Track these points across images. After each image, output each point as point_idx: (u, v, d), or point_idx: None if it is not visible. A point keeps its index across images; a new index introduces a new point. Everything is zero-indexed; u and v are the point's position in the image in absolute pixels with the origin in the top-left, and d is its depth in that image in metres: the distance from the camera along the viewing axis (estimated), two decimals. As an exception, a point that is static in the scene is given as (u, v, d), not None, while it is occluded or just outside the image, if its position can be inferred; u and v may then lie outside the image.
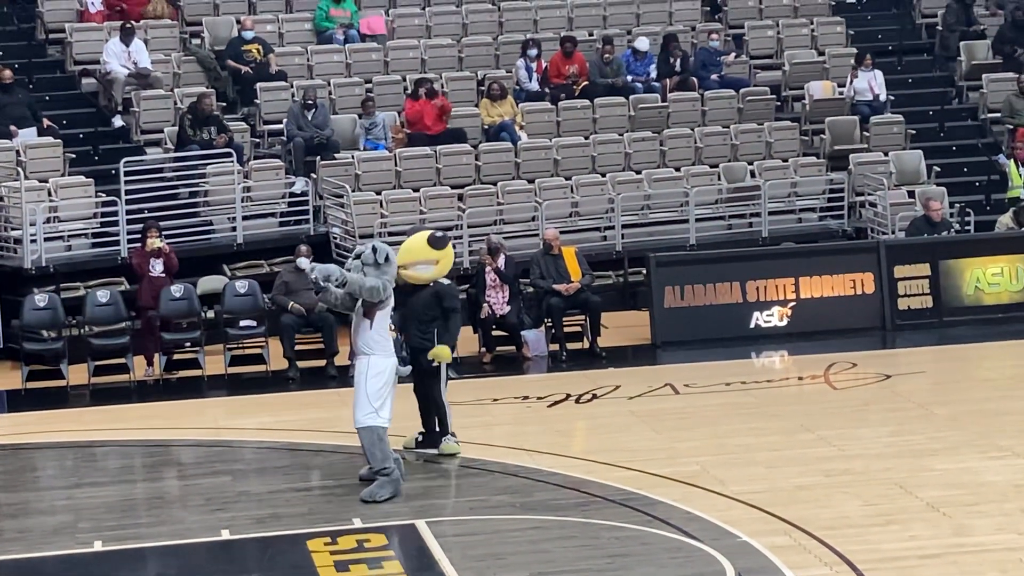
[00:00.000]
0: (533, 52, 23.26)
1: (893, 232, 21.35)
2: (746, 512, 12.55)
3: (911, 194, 22.25)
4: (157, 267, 18.80)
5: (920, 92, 24.68)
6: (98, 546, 12.28)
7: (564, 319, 19.07)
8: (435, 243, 14.14)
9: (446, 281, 14.48)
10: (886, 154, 22.99)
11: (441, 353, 14.20)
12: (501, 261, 18.97)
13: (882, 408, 16.12)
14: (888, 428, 15.28)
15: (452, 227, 20.81)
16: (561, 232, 19.90)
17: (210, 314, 19.19)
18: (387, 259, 13.20)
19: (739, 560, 11.35)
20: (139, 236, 19.37)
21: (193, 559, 12.06)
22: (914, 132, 23.53)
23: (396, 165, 21.68)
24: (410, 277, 14.11)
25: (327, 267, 13.22)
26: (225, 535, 12.44)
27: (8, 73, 21.27)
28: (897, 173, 22.66)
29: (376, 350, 13.22)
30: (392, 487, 13.07)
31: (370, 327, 13.18)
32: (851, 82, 23.73)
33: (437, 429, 14.58)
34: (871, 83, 23.62)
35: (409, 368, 13.85)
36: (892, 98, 23.97)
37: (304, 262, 18.44)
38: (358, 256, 13.27)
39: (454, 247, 20.58)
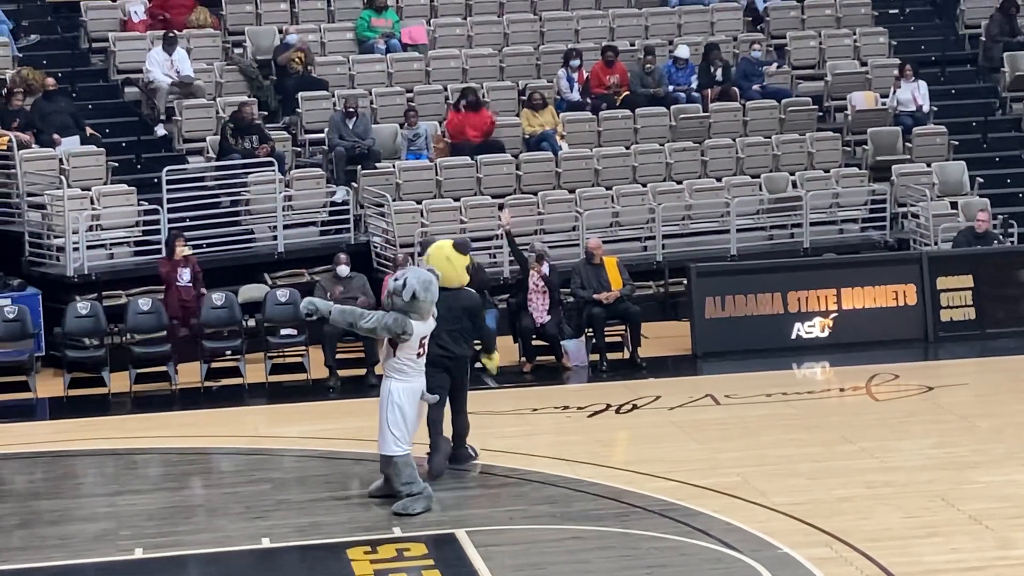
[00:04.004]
0: (575, 63, 23.25)
1: (935, 243, 21.25)
2: (787, 523, 12.50)
3: (954, 205, 22.15)
4: (184, 276, 18.87)
5: (963, 103, 24.56)
6: (139, 553, 12.32)
7: (605, 329, 19.03)
8: (460, 248, 14.14)
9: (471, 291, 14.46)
10: (929, 165, 22.89)
11: (495, 360, 14.30)
12: (546, 267, 18.95)
13: (924, 420, 16.03)
14: (930, 440, 15.20)
15: (492, 237, 20.85)
16: (602, 242, 19.87)
17: (251, 322, 19.23)
18: (413, 297, 13.03)
19: (780, 572, 11.31)
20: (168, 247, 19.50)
21: (233, 567, 12.09)
22: (957, 143, 23.42)
23: (437, 174, 21.70)
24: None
25: (313, 301, 13.29)
26: (265, 543, 12.47)
27: (52, 81, 21.39)
28: (940, 184, 22.56)
29: (397, 376, 13.16)
30: (425, 502, 13.06)
31: (393, 353, 13.15)
32: (894, 92, 23.64)
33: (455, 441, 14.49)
34: (914, 94, 23.52)
35: (436, 397, 13.70)
36: (935, 109, 23.86)
37: (344, 269, 18.49)
38: (396, 279, 13.22)
39: (493, 256, 20.85)
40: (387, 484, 13.36)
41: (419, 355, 13.20)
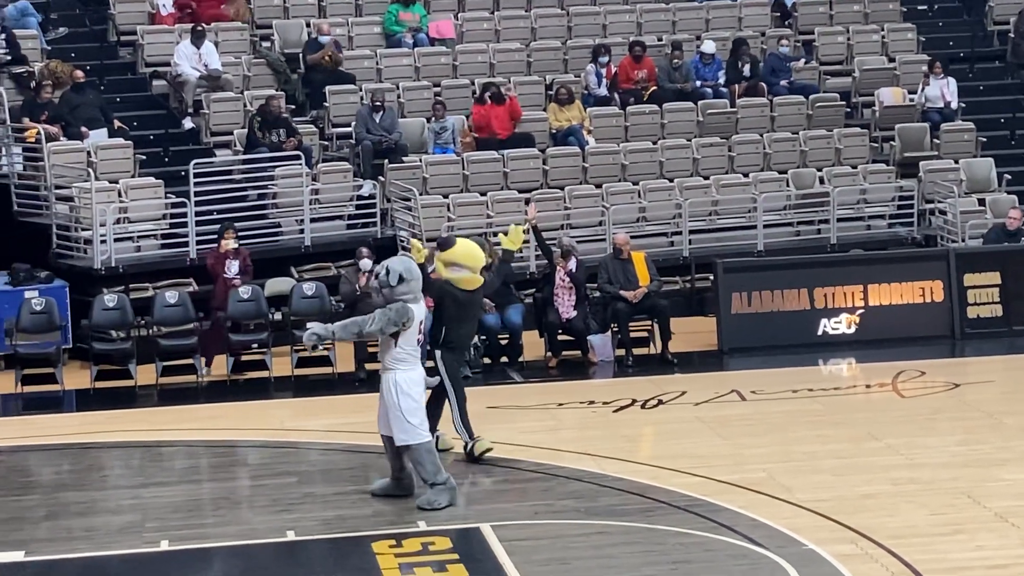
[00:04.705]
0: (604, 59, 23.23)
1: (963, 240, 21.19)
2: (812, 520, 12.48)
3: (981, 202, 22.08)
4: (232, 268, 18.92)
5: (991, 99, 24.47)
6: (164, 545, 12.35)
7: (631, 324, 19.01)
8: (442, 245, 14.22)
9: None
10: (956, 161, 22.82)
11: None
12: (572, 264, 18.94)
13: (950, 417, 15.99)
14: (956, 437, 15.16)
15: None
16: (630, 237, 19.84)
17: (277, 316, 19.26)
18: (400, 280, 12.97)
19: (804, 568, 11.29)
20: (210, 238, 19.55)
21: (259, 560, 12.11)
22: (985, 140, 23.34)
23: (464, 169, 21.71)
24: (458, 281, 14.13)
25: (314, 333, 13.14)
26: (290, 536, 12.49)
27: (80, 74, 21.45)
28: (967, 181, 22.50)
29: (400, 366, 13.07)
30: (449, 495, 13.04)
31: (395, 344, 13.07)
32: (923, 89, 23.57)
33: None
34: (943, 90, 23.46)
35: (437, 379, 13.77)
36: (963, 105, 23.79)
37: (366, 263, 18.54)
38: (376, 276, 13.19)
39: (520, 250, 20.82)
40: (395, 484, 13.34)
41: (419, 341, 13.18)
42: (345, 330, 13.24)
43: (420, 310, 13.15)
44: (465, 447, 14.46)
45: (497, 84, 22.42)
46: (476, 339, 18.79)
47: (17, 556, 12.19)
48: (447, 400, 14.27)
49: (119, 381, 18.38)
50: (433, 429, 14.13)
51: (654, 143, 22.56)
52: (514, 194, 21.48)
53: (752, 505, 12.88)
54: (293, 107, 22.47)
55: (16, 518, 13.25)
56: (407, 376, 13.06)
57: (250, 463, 15.35)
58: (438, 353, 14.22)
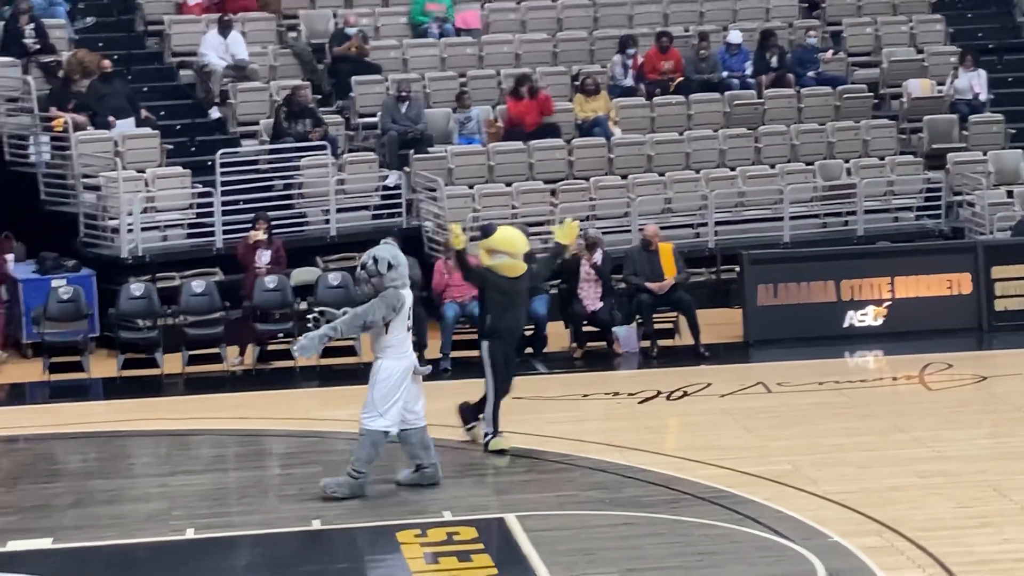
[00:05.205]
0: (631, 51, 23.18)
1: (991, 232, 21.10)
2: (838, 512, 12.45)
3: (1009, 194, 22.00)
4: (263, 258, 18.95)
5: (1020, 91, 24.35)
6: (191, 534, 12.38)
7: (655, 316, 18.98)
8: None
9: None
10: (984, 153, 22.73)
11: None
12: (598, 256, 18.91)
13: (977, 410, 15.94)
14: (983, 430, 15.11)
15: (544, 222, 20.84)
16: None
17: (303, 305, 19.28)
18: (389, 267, 12.98)
19: (830, 560, 11.26)
20: (236, 227, 19.59)
21: (284, 548, 12.13)
22: (1013, 131, 23.25)
23: (489, 159, 21.70)
24: (500, 268, 14.14)
25: (325, 331, 13.06)
26: (316, 525, 12.51)
27: (107, 64, 21.49)
28: (995, 173, 22.41)
29: (388, 354, 13.09)
30: (353, 490, 13.01)
31: (386, 331, 13.06)
32: (952, 81, 23.48)
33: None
34: (973, 82, 23.37)
35: (429, 368, 13.73)
36: (991, 97, 23.70)
37: None
38: (363, 267, 13.13)
39: (545, 241, 20.82)
40: (420, 474, 13.35)
41: (408, 328, 13.18)
42: (350, 325, 13.20)
43: (409, 296, 13.16)
44: (484, 435, 14.45)
45: (531, 78, 22.36)
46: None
47: (45, 543, 12.24)
48: (487, 389, 14.27)
49: (146, 370, 18.43)
50: (474, 411, 14.20)
51: (680, 134, 22.52)
52: (539, 185, 21.46)
53: (777, 497, 12.85)
54: (319, 97, 22.47)
55: (44, 505, 13.30)
56: (390, 364, 13.06)
57: (276, 452, 15.38)
58: (484, 343, 14.21)
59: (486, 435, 14.44)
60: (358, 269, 13.33)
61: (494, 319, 14.19)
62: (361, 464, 13.07)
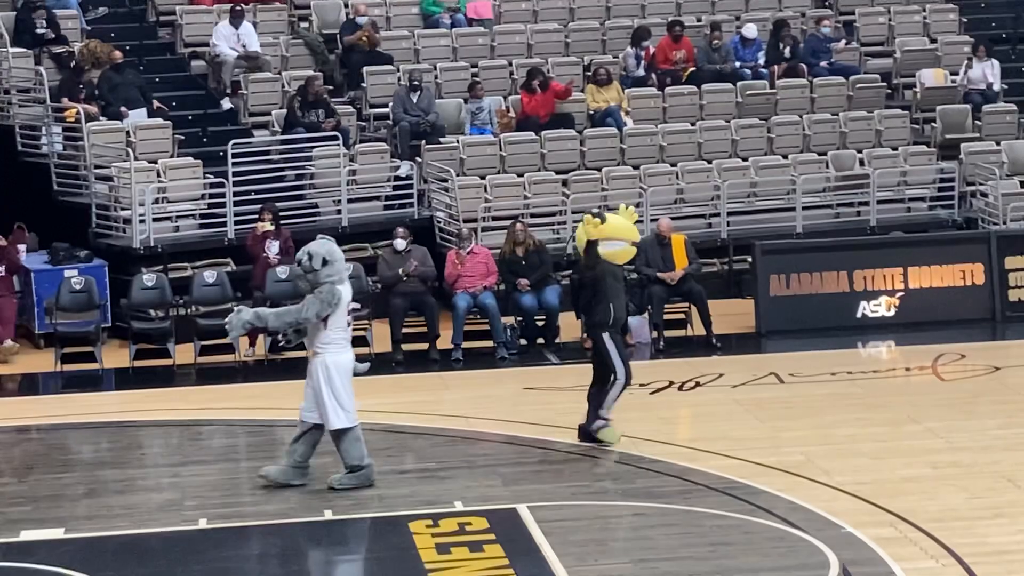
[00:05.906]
0: (645, 42, 23.12)
1: (1004, 222, 21.05)
2: (851, 503, 12.44)
3: (1023, 184, 21.93)
4: (272, 249, 18.95)
5: (1033, 81, 24.32)
6: (203, 524, 12.40)
7: (666, 307, 18.94)
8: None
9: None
10: (998, 143, 22.65)
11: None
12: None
13: (991, 400, 15.90)
14: (996, 421, 15.08)
15: (556, 212, 20.83)
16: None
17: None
18: (324, 263, 12.93)
19: (843, 551, 11.25)
20: (248, 218, 19.59)
21: (296, 538, 12.14)
22: (1027, 121, 23.20)
23: (501, 150, 21.67)
24: (614, 256, 14.22)
25: (246, 316, 13.09)
26: (328, 515, 12.51)
27: (119, 54, 21.49)
28: (1009, 163, 22.34)
29: (330, 349, 13.04)
30: (360, 480, 13.03)
31: (324, 327, 13.00)
32: (965, 71, 23.41)
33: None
34: (986, 72, 23.29)
35: (367, 365, 13.63)
36: (1005, 87, 23.63)
37: (400, 243, 18.51)
38: (299, 263, 13.07)
39: (556, 231, 20.82)
40: (295, 472, 13.26)
41: (348, 324, 13.14)
42: (279, 319, 13.19)
43: (347, 291, 13.10)
44: (592, 422, 14.32)
45: (542, 72, 22.29)
46: (513, 320, 18.83)
47: (57, 533, 12.27)
48: (612, 381, 14.15)
49: (158, 360, 18.44)
50: (596, 414, 14.08)
51: (692, 124, 22.47)
52: (551, 175, 21.43)
53: (790, 488, 12.84)
54: (331, 88, 22.45)
55: (56, 495, 13.32)
56: (336, 359, 13.04)
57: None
58: (605, 335, 14.14)
59: (598, 426, 14.27)
60: (294, 265, 13.29)
61: (616, 308, 14.17)
62: (354, 460, 13.07)
